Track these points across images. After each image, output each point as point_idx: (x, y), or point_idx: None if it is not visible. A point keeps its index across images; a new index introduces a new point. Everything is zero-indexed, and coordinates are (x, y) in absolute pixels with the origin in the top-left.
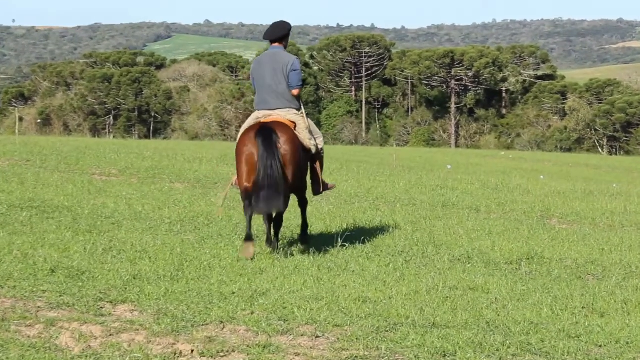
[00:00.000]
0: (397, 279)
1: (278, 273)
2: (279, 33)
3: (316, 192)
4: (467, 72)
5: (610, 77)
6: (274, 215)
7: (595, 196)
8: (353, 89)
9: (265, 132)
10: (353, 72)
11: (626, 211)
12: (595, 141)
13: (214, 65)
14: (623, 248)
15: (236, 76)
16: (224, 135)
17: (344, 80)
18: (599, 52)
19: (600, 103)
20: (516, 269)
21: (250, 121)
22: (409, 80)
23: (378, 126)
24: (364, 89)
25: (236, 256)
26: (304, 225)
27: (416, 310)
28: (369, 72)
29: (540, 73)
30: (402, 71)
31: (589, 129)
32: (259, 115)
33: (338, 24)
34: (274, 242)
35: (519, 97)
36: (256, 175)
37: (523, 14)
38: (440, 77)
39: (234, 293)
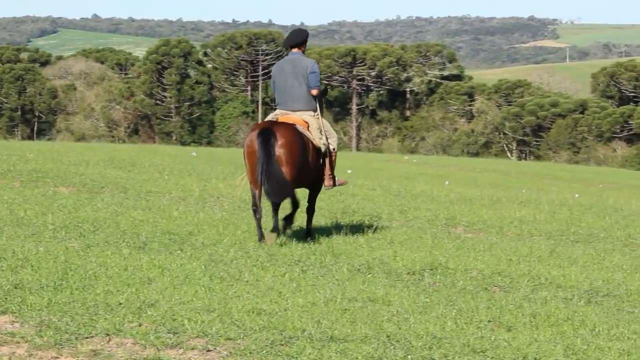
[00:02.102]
0: (293, 290)
1: (167, 283)
2: (298, 39)
3: (326, 187)
4: (370, 71)
5: (520, 78)
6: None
7: (503, 203)
8: (249, 88)
9: (265, 135)
10: (249, 71)
11: (535, 219)
12: (504, 145)
13: (102, 62)
14: (532, 258)
15: (125, 74)
16: (112, 136)
17: (239, 79)
18: (508, 52)
19: (510, 105)
20: (419, 279)
21: (268, 118)
22: None
23: None
24: (260, 89)
25: (123, 265)
26: (309, 218)
27: (313, 323)
28: (266, 70)
29: (446, 73)
30: None
31: (497, 133)
32: (277, 114)
33: (234, 20)
34: (284, 224)
35: (424, 98)
36: (256, 174)
37: (429, 10)
38: (341, 77)
39: (120, 304)
